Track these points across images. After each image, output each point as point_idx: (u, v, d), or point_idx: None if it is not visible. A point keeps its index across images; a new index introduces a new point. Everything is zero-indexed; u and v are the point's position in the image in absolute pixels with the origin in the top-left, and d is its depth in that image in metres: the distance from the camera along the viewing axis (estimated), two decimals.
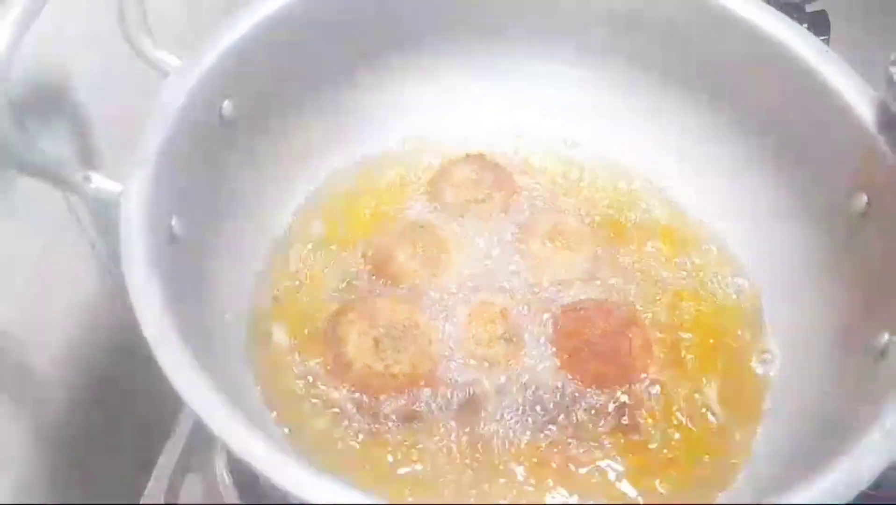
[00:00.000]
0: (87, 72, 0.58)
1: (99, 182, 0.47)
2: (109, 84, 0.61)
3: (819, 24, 0.71)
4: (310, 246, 0.62)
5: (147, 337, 0.43)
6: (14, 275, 0.55)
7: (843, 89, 0.56)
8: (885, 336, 0.49)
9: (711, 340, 0.59)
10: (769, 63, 0.59)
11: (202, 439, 0.58)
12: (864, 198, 0.54)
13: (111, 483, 0.64)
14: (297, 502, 0.39)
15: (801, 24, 0.64)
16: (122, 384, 0.68)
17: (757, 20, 0.59)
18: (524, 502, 0.52)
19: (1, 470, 0.57)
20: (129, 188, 0.47)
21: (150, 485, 0.57)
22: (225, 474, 0.57)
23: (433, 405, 0.54)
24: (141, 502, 0.56)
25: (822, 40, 0.65)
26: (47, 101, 0.56)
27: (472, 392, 0.55)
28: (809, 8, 0.73)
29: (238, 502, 0.56)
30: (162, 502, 0.56)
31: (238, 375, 0.55)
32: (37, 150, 0.46)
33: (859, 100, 0.55)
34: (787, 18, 0.59)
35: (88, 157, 0.61)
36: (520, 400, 0.55)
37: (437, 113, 0.68)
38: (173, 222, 0.49)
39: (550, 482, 0.53)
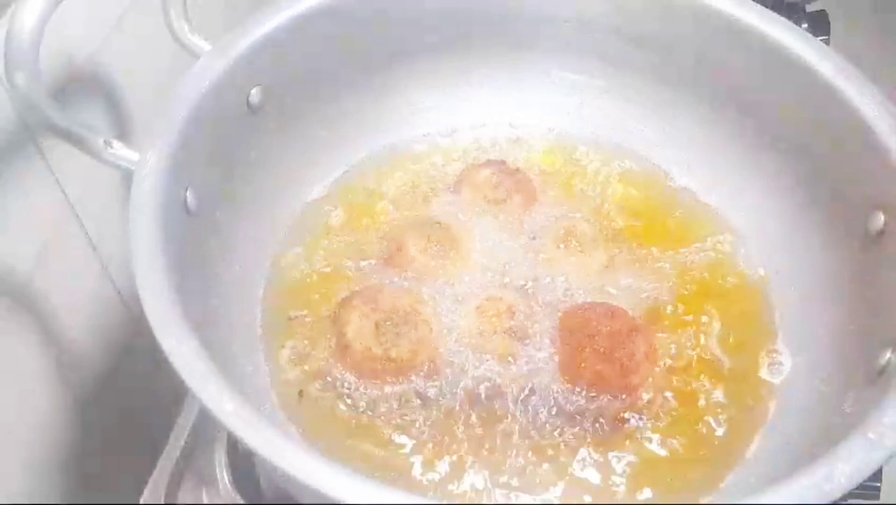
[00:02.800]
0: (123, 51, 0.62)
1: (118, 149, 0.50)
2: (144, 63, 0.64)
3: (819, 24, 0.71)
4: (327, 233, 0.64)
5: (148, 314, 0.43)
6: (14, 274, 0.55)
7: (861, 106, 0.55)
8: (888, 354, 0.49)
9: (721, 347, 0.59)
10: (786, 78, 0.59)
11: (202, 439, 0.58)
12: (882, 217, 0.54)
13: (111, 483, 0.64)
14: (302, 496, 0.39)
15: (800, 24, 0.65)
16: (122, 384, 0.68)
17: (775, 34, 0.59)
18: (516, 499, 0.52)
19: (2, 470, 0.57)
20: (145, 157, 0.49)
21: (149, 485, 0.56)
22: (225, 474, 0.57)
23: (431, 392, 0.55)
24: (141, 502, 0.56)
25: (822, 40, 0.65)
26: (83, 76, 0.59)
27: (471, 382, 0.55)
28: (809, 8, 0.73)
29: (238, 502, 0.56)
30: (162, 502, 0.56)
31: (247, 360, 0.55)
32: (64, 116, 0.49)
33: (878, 116, 0.54)
34: (807, 34, 0.59)
35: (120, 130, 0.64)
36: (518, 393, 0.55)
37: (465, 115, 0.70)
38: (188, 195, 0.51)
39: (542, 476, 0.53)
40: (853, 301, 0.56)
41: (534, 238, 0.63)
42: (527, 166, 0.68)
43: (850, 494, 0.41)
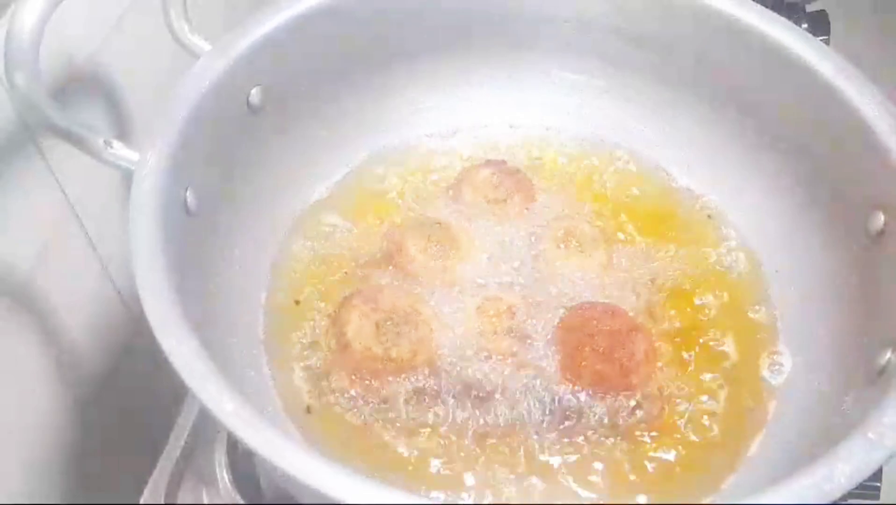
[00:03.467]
0: (123, 51, 0.62)
1: (119, 149, 0.50)
2: (144, 63, 0.64)
3: (819, 24, 0.71)
4: (327, 233, 0.64)
5: (147, 311, 0.43)
6: (14, 274, 0.55)
7: (861, 106, 0.55)
8: (888, 354, 0.49)
9: (722, 347, 0.59)
10: (786, 78, 0.59)
11: (202, 439, 0.58)
12: (882, 217, 0.54)
13: (111, 483, 0.64)
14: (302, 496, 0.39)
15: (800, 24, 0.65)
16: (122, 384, 0.68)
17: (775, 34, 0.59)
18: (516, 499, 0.52)
19: (2, 470, 0.57)
20: (145, 157, 0.49)
21: (149, 485, 0.56)
22: (225, 474, 0.57)
23: (431, 392, 0.55)
24: (141, 502, 0.56)
25: (822, 40, 0.65)
26: (83, 76, 0.59)
27: (471, 382, 0.55)
28: (809, 8, 0.73)
29: (238, 502, 0.56)
30: (162, 502, 0.56)
31: (247, 361, 0.55)
32: (64, 116, 0.49)
33: (878, 116, 0.54)
34: (807, 34, 0.59)
35: (120, 130, 0.64)
36: (519, 394, 0.55)
37: (466, 115, 0.70)
38: (188, 195, 0.51)
39: (542, 476, 0.53)
40: (853, 301, 0.56)
41: (534, 238, 0.63)
42: (527, 166, 0.68)
43: (850, 494, 0.41)
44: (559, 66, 0.70)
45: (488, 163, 0.67)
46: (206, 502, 0.57)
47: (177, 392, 0.57)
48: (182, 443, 0.58)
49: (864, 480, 0.41)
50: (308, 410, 0.55)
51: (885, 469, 0.43)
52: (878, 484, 0.56)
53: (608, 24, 0.66)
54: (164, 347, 0.42)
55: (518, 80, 0.71)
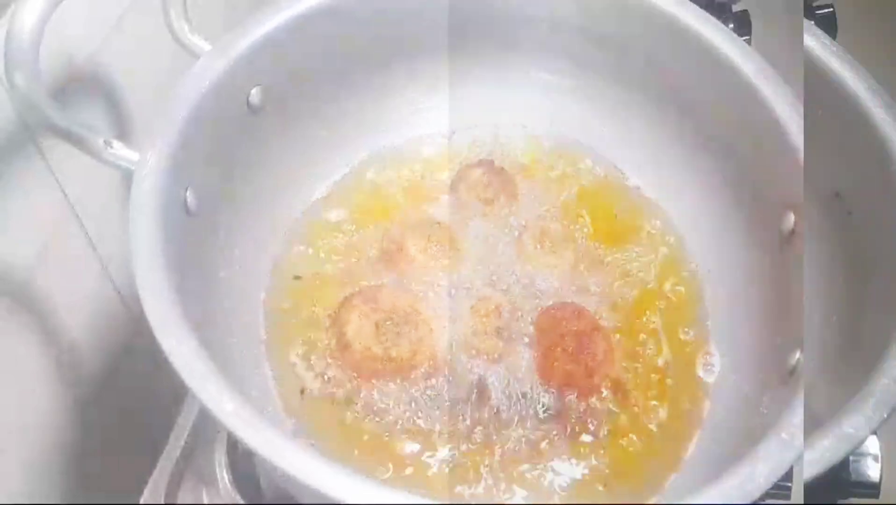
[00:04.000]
0: (123, 51, 0.62)
1: (119, 149, 0.49)
2: (144, 63, 0.64)
3: (742, 24, 0.72)
4: (327, 233, 0.64)
5: (146, 309, 0.43)
6: (14, 274, 0.55)
7: (776, 106, 0.56)
8: (797, 354, 0.50)
9: (663, 349, 0.60)
10: (716, 77, 0.60)
11: (202, 439, 0.58)
12: (792, 217, 0.55)
13: (111, 483, 0.64)
14: (302, 496, 0.39)
15: (728, 23, 0.67)
16: (122, 384, 0.68)
17: (707, 34, 0.60)
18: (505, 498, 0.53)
19: (2, 470, 0.57)
20: (145, 157, 0.49)
21: (149, 485, 0.56)
22: (225, 474, 0.57)
23: (430, 392, 0.55)
24: (141, 502, 0.56)
25: (745, 40, 0.66)
26: (83, 76, 0.59)
27: (470, 382, 0.56)
28: (735, 8, 0.74)
29: (238, 502, 0.56)
30: (162, 503, 0.56)
31: (247, 361, 0.56)
32: (64, 116, 0.49)
33: (790, 117, 0.55)
34: (734, 34, 0.60)
35: (120, 130, 0.64)
36: (504, 393, 0.56)
37: (464, 114, 0.70)
38: (188, 195, 0.51)
39: (524, 477, 0.53)
40: (769, 302, 0.57)
41: (516, 237, 0.64)
42: (510, 165, 0.69)
43: (768, 494, 0.42)
44: (536, 66, 0.70)
45: (480, 162, 0.68)
46: (206, 502, 0.57)
47: (177, 392, 0.57)
48: (182, 443, 0.58)
49: (779, 480, 0.42)
50: (308, 410, 0.55)
51: (794, 468, 0.43)
52: (790, 484, 0.56)
53: (575, 25, 0.65)
54: (164, 347, 0.42)
55: (504, 81, 0.70)
